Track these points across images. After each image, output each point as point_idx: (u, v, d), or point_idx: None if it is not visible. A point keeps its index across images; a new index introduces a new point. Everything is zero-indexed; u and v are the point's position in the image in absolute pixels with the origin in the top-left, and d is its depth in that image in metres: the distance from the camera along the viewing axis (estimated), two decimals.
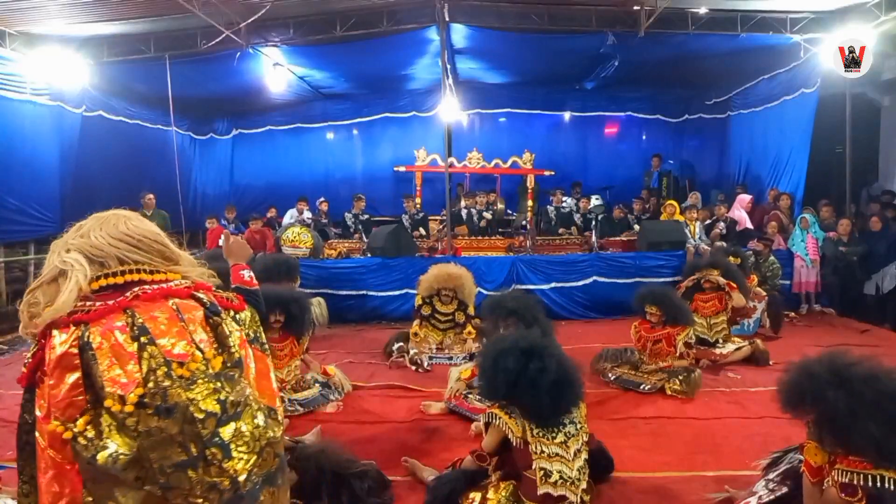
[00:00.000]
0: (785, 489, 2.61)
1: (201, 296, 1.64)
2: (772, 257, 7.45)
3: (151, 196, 8.97)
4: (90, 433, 1.41)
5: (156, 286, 1.59)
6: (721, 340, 5.61)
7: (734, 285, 5.67)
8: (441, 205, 9.33)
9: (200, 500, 1.47)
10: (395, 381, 5.00)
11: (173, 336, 1.52)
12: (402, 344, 5.73)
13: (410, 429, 3.97)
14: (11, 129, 7.67)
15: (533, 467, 2.48)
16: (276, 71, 9.28)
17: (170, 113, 9.20)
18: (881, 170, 10.97)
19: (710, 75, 10.62)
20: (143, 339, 1.47)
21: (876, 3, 7.56)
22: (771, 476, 2.75)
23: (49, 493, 1.45)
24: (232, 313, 1.71)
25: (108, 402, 1.41)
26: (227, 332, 1.62)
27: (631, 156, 12.25)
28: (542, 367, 2.54)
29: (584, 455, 2.63)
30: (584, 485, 2.57)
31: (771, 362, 5.36)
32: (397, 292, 7.72)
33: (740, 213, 9.31)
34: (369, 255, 8.26)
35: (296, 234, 8.31)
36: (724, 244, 8.32)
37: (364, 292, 7.78)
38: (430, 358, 5.50)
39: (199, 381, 1.50)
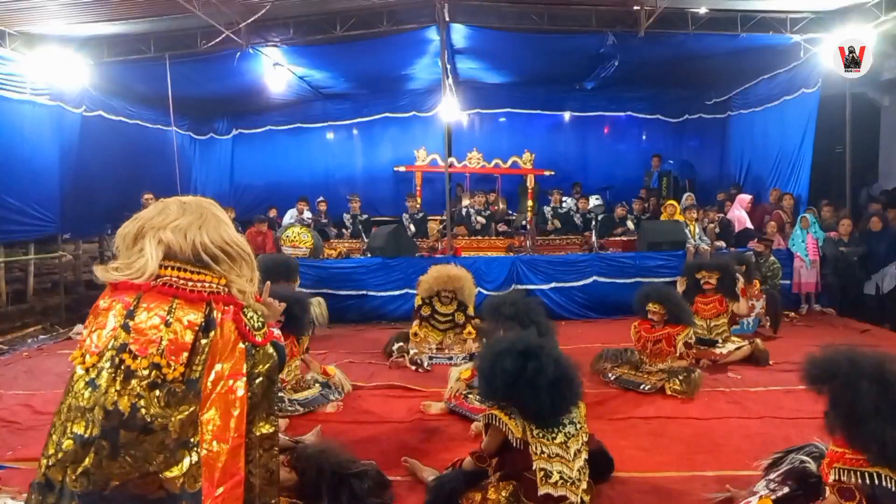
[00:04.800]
0: (786, 489, 2.62)
1: (214, 308, 1.74)
2: (772, 257, 7.45)
3: (150, 196, 8.95)
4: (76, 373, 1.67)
5: (178, 283, 1.73)
6: (721, 340, 5.61)
7: (745, 292, 5.74)
8: (441, 205, 9.33)
9: (73, 478, 1.57)
10: (395, 381, 4.99)
11: (150, 330, 1.65)
12: (402, 344, 5.73)
13: (410, 429, 3.96)
14: (11, 129, 7.66)
15: (533, 468, 2.48)
16: (276, 71, 9.28)
17: (170, 113, 9.20)
18: (881, 170, 10.98)
19: (710, 75, 10.62)
20: (126, 321, 1.66)
21: (876, 3, 7.56)
22: (772, 476, 2.75)
23: None
24: (248, 345, 1.81)
25: (75, 354, 1.66)
26: (199, 351, 1.69)
27: (631, 156, 12.24)
28: (539, 368, 2.54)
29: (585, 455, 2.63)
30: (584, 485, 2.57)
31: (771, 362, 5.36)
32: (397, 292, 7.72)
33: (740, 212, 9.31)
34: (369, 255, 8.26)
35: (296, 234, 8.31)
36: (724, 243, 8.34)
37: (364, 292, 7.78)
38: (430, 358, 5.50)
39: (134, 380, 1.61)
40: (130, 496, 1.61)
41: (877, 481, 2.09)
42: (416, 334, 5.73)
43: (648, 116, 12.26)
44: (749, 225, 9.08)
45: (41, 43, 7.87)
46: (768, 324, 6.69)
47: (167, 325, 1.66)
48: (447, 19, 7.74)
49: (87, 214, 9.22)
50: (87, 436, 1.58)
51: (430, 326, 5.77)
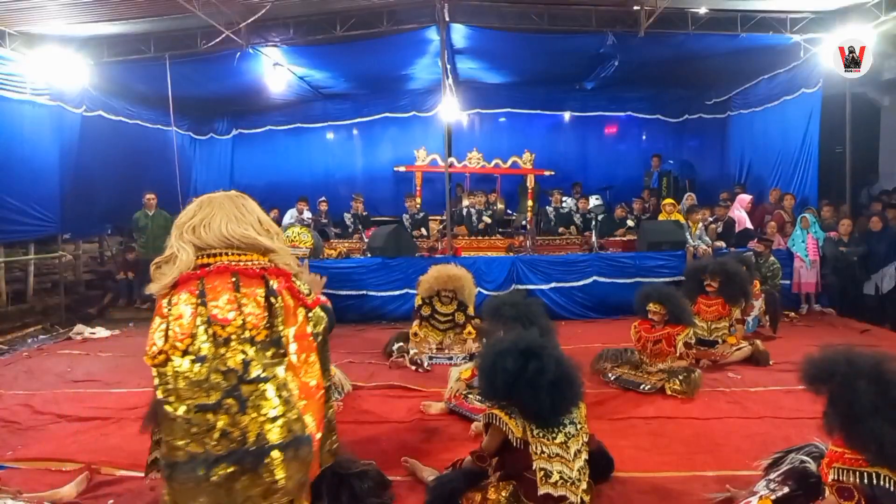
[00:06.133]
0: (786, 489, 2.61)
1: (270, 280, 1.97)
2: (772, 257, 7.44)
3: (152, 196, 8.98)
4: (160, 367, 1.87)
5: (230, 263, 1.96)
6: (721, 340, 5.61)
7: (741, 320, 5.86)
8: (441, 205, 9.34)
9: (214, 444, 1.77)
10: (395, 381, 5.00)
11: (225, 303, 1.87)
12: (402, 344, 5.73)
13: (410, 429, 3.96)
14: (11, 129, 7.66)
15: (533, 468, 2.48)
16: (276, 71, 9.28)
17: (170, 113, 9.20)
18: (881, 170, 10.99)
19: (710, 75, 10.62)
20: (199, 301, 1.88)
21: (876, 3, 7.56)
22: (772, 476, 2.75)
23: None
24: (305, 310, 2.07)
25: (167, 346, 1.84)
26: (275, 314, 1.93)
27: (631, 156, 12.26)
28: (540, 368, 2.54)
29: (585, 455, 2.63)
30: (584, 485, 2.57)
31: (771, 362, 5.37)
32: (397, 292, 7.72)
33: (740, 212, 9.31)
34: (369, 255, 8.26)
35: (296, 234, 8.30)
36: (723, 243, 8.34)
37: (364, 292, 7.78)
38: (430, 358, 5.50)
39: (233, 342, 1.83)
40: (269, 447, 1.80)
41: (876, 481, 2.09)
42: (416, 334, 5.73)
43: (648, 116, 12.27)
44: (749, 225, 9.08)
45: (41, 43, 7.87)
46: (768, 324, 6.69)
47: (238, 293, 1.88)
48: (447, 19, 7.74)
49: (87, 214, 9.23)
50: (211, 402, 1.79)
51: (430, 326, 5.77)
